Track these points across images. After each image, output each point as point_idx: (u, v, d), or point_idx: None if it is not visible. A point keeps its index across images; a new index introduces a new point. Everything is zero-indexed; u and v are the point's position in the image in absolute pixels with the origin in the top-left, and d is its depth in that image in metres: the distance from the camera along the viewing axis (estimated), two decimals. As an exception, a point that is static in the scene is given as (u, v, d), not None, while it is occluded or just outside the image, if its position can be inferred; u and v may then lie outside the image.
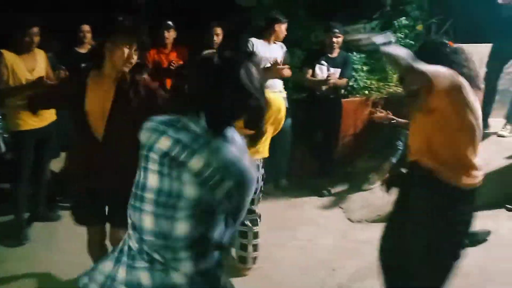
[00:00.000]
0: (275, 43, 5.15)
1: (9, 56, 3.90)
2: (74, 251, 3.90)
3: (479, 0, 5.61)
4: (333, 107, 5.24)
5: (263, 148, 3.34)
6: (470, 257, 3.68)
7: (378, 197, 4.76)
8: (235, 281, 3.15)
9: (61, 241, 4.17)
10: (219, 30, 5.28)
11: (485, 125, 5.30)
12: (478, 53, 5.39)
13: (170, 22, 5.44)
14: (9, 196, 4.34)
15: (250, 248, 3.54)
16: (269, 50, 5.01)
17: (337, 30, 4.94)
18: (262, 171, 3.39)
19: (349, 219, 4.57)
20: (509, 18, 4.88)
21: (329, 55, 5.15)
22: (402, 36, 6.24)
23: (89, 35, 5.19)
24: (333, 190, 5.15)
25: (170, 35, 5.41)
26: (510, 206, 4.38)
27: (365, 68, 6.12)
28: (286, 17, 5.34)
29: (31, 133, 4.08)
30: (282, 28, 5.10)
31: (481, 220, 4.21)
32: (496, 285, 3.37)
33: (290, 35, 6.92)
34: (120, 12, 5.33)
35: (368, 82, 5.97)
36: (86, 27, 5.19)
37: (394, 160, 4.98)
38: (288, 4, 7.68)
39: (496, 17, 5.04)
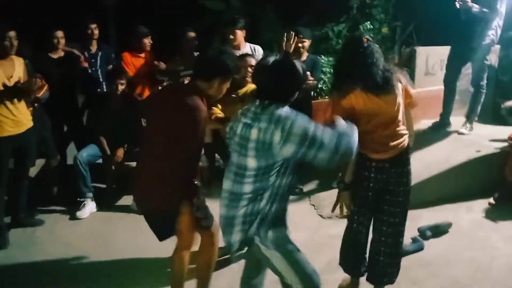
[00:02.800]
0: None
1: None
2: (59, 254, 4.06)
3: (440, 4, 5.86)
4: (304, 109, 5.38)
5: None
6: (433, 247, 3.97)
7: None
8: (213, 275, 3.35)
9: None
10: (192, 35, 5.38)
11: (447, 123, 5.59)
12: (439, 55, 5.70)
13: (146, 30, 5.51)
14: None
15: None
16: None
17: (302, 35, 5.08)
18: None
19: (320, 215, 4.74)
20: (466, 21, 5.10)
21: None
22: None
23: (62, 41, 5.21)
24: (304, 188, 5.33)
25: (147, 41, 5.49)
26: (492, 202, 4.61)
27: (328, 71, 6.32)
28: (255, 20, 5.43)
29: (8, 139, 4.11)
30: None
31: (443, 213, 4.54)
32: (457, 272, 3.59)
33: (259, 38, 7.09)
34: (88, 16, 5.52)
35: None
36: (60, 33, 5.17)
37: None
38: (257, 7, 7.86)
39: (454, 21, 5.26)
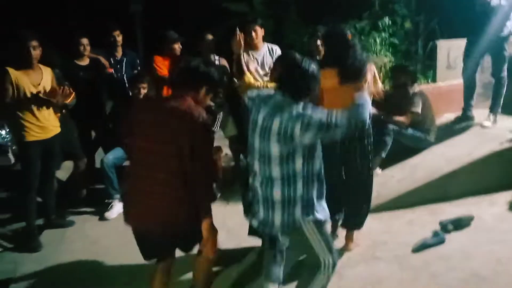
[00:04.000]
0: None
1: (14, 73, 4.13)
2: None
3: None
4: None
5: None
6: (454, 241, 3.97)
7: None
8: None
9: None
10: (210, 37, 5.48)
11: (469, 117, 5.55)
12: (461, 48, 5.64)
13: (176, 35, 5.53)
14: (20, 206, 4.56)
15: None
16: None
17: (320, 33, 5.12)
18: None
19: (341, 212, 4.80)
20: (482, 13, 5.06)
21: (318, 57, 5.36)
22: (387, 35, 6.43)
23: (88, 48, 5.38)
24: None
25: (178, 46, 5.53)
26: None
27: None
28: (279, 21, 5.49)
29: (37, 144, 4.30)
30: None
31: (465, 207, 4.51)
32: (477, 265, 3.57)
33: (283, 39, 7.17)
34: (111, 23, 5.69)
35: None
36: (85, 40, 5.34)
37: (383, 154, 5.19)
38: (280, 9, 7.95)
39: (471, 13, 5.21)
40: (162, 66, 5.49)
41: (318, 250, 2.81)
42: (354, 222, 3.94)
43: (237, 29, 4.12)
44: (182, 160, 2.68)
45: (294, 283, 3.04)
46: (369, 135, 3.74)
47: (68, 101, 4.66)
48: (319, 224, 2.79)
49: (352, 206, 3.87)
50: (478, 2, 4.98)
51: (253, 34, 5.01)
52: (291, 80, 2.74)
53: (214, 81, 2.92)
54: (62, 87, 4.41)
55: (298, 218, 2.74)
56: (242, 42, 4.14)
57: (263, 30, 5.17)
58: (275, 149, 2.67)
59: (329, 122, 2.63)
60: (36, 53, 4.19)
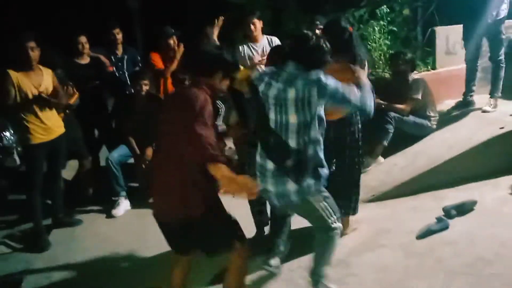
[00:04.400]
0: None
1: (15, 75, 4.17)
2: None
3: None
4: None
5: None
6: (458, 225, 4.02)
7: (373, 179, 5.04)
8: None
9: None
10: (210, 31, 5.50)
11: (470, 102, 5.58)
12: (460, 34, 5.66)
13: (173, 30, 5.63)
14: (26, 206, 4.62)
15: None
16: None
17: (318, 23, 5.15)
18: None
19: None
20: None
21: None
22: (386, 23, 6.43)
23: (87, 46, 5.40)
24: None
25: (174, 41, 5.61)
26: None
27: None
28: (278, 10, 5.48)
29: (41, 146, 4.35)
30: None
31: (468, 192, 4.55)
32: (480, 249, 3.62)
33: (282, 27, 7.15)
34: (111, 21, 5.71)
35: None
36: (83, 39, 5.36)
37: (385, 143, 5.23)
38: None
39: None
40: (158, 61, 5.54)
41: (325, 215, 2.99)
42: (346, 207, 3.90)
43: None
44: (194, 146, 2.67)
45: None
46: (357, 121, 3.83)
47: (72, 101, 4.72)
48: (324, 190, 3.00)
49: (342, 192, 3.81)
50: None
51: (252, 27, 5.04)
52: (305, 51, 2.87)
53: (228, 65, 2.93)
54: (66, 87, 4.46)
55: (310, 185, 2.88)
56: None
57: (261, 22, 5.19)
58: (293, 119, 2.81)
59: (343, 92, 2.81)
60: (34, 54, 4.21)
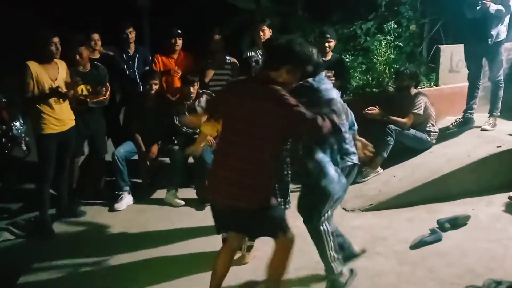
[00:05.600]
0: None
1: (34, 67, 4.31)
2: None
3: (463, 2, 5.94)
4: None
5: None
6: (450, 238, 4.14)
7: (371, 189, 5.18)
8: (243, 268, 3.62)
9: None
10: (218, 37, 5.65)
11: (469, 120, 5.71)
12: (462, 52, 5.79)
13: (179, 30, 5.78)
14: (33, 195, 4.75)
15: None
16: None
17: (328, 35, 5.25)
18: None
19: (343, 208, 4.91)
20: (478, 19, 5.26)
21: (323, 58, 5.48)
22: (392, 38, 6.56)
23: (99, 43, 5.55)
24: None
25: (180, 42, 5.76)
26: None
27: (358, 68, 6.49)
28: (285, 19, 5.60)
29: (54, 136, 4.49)
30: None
31: (463, 206, 4.68)
32: (472, 261, 3.74)
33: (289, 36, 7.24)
34: (124, 20, 5.84)
35: (361, 82, 6.35)
36: (96, 36, 5.52)
37: (385, 154, 5.36)
38: (287, 6, 8.05)
39: (465, 19, 5.43)
40: (160, 63, 5.70)
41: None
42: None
43: None
44: (271, 141, 2.77)
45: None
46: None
47: (106, 97, 4.97)
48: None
49: None
50: (470, 9, 5.20)
51: (261, 34, 5.16)
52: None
53: (298, 59, 2.81)
54: (74, 81, 4.59)
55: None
56: None
57: (270, 30, 5.32)
58: None
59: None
60: (58, 49, 4.39)
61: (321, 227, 3.25)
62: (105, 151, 5.38)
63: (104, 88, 5.00)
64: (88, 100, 4.91)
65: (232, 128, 2.87)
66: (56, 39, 4.36)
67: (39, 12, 8.84)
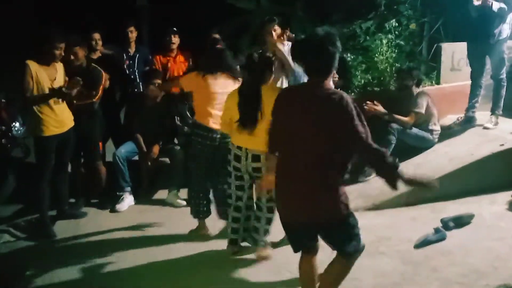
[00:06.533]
0: None
1: (34, 67, 4.28)
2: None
3: (465, 1, 5.93)
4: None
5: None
6: (455, 237, 4.11)
7: (373, 188, 5.13)
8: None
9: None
10: (217, 36, 5.62)
11: (471, 118, 5.69)
12: (465, 51, 5.78)
13: (174, 28, 5.80)
14: (33, 196, 4.69)
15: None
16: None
17: None
18: None
19: (346, 208, 4.91)
20: (480, 18, 5.25)
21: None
22: (393, 36, 6.54)
23: (100, 42, 5.53)
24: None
25: (176, 40, 5.77)
26: None
27: (359, 68, 6.47)
28: (285, 19, 5.54)
29: (53, 138, 4.47)
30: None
31: (467, 205, 4.65)
32: (476, 260, 3.71)
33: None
34: (126, 19, 5.82)
35: (363, 81, 6.33)
36: (97, 35, 5.51)
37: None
38: (286, 6, 8.03)
39: (468, 17, 5.40)
40: (158, 64, 5.69)
41: None
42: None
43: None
44: (331, 145, 2.64)
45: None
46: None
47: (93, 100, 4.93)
48: None
49: None
50: (474, 7, 5.17)
51: (274, 34, 5.10)
52: None
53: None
54: (73, 82, 4.53)
55: None
56: None
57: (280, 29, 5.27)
58: None
59: None
60: (61, 54, 4.40)
61: None
62: (96, 158, 5.21)
63: (94, 92, 4.86)
64: (74, 101, 4.67)
65: (295, 143, 2.72)
66: (62, 45, 4.36)
67: (38, 12, 8.80)
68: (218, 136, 4.19)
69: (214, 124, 4.16)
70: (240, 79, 4.11)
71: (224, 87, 4.12)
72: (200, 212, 4.40)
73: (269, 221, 3.89)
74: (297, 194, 2.73)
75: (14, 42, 6.66)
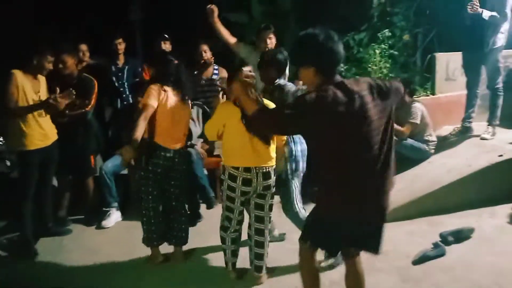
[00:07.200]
0: None
1: (20, 77, 4.12)
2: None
3: (458, 11, 5.86)
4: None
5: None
6: (455, 252, 3.96)
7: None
8: None
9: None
10: (205, 47, 5.50)
11: (467, 129, 5.58)
12: (460, 61, 5.69)
13: (166, 35, 5.69)
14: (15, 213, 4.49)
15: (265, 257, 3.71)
16: None
17: None
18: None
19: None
20: (475, 27, 5.17)
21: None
22: (387, 47, 6.45)
23: (87, 54, 5.43)
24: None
25: (167, 47, 5.65)
26: None
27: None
28: (278, 31, 5.43)
29: (37, 152, 4.28)
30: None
31: (465, 218, 4.50)
32: (478, 276, 3.57)
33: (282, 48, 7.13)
34: (114, 31, 5.70)
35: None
36: (84, 47, 5.42)
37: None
38: (279, 19, 7.95)
39: (464, 26, 5.32)
40: (148, 71, 5.54)
41: None
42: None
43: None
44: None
45: None
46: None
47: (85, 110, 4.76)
48: None
49: None
50: (469, 16, 5.09)
51: (268, 41, 4.99)
52: None
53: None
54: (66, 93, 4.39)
55: None
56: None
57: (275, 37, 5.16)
58: None
59: None
60: (50, 67, 4.29)
61: None
62: (88, 174, 5.07)
63: (86, 101, 4.73)
64: (67, 112, 4.55)
65: (366, 139, 2.66)
66: (51, 58, 4.24)
67: (22, 21, 8.64)
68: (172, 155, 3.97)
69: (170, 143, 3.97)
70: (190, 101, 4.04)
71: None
72: (152, 240, 4.08)
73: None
74: (373, 190, 2.71)
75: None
